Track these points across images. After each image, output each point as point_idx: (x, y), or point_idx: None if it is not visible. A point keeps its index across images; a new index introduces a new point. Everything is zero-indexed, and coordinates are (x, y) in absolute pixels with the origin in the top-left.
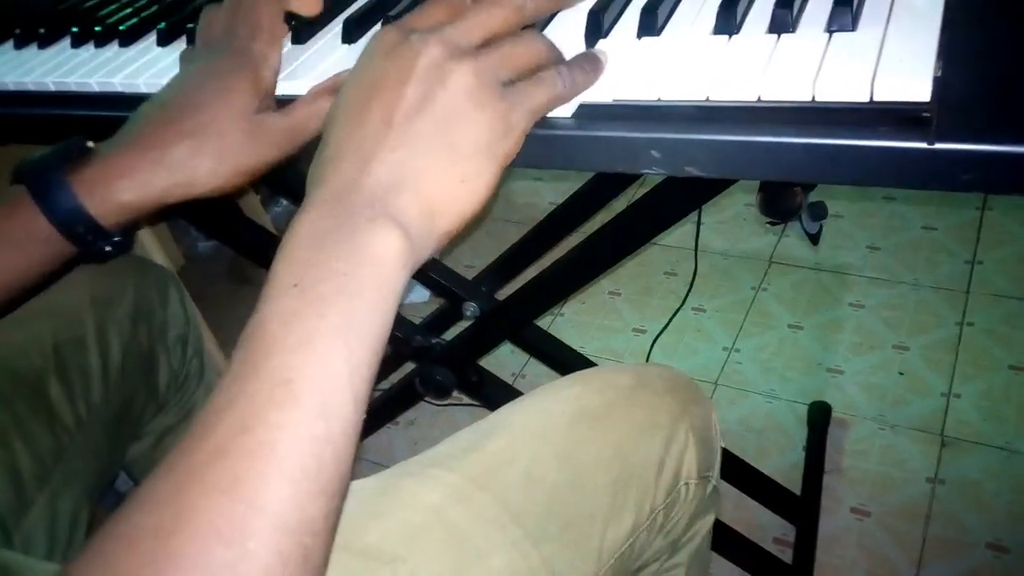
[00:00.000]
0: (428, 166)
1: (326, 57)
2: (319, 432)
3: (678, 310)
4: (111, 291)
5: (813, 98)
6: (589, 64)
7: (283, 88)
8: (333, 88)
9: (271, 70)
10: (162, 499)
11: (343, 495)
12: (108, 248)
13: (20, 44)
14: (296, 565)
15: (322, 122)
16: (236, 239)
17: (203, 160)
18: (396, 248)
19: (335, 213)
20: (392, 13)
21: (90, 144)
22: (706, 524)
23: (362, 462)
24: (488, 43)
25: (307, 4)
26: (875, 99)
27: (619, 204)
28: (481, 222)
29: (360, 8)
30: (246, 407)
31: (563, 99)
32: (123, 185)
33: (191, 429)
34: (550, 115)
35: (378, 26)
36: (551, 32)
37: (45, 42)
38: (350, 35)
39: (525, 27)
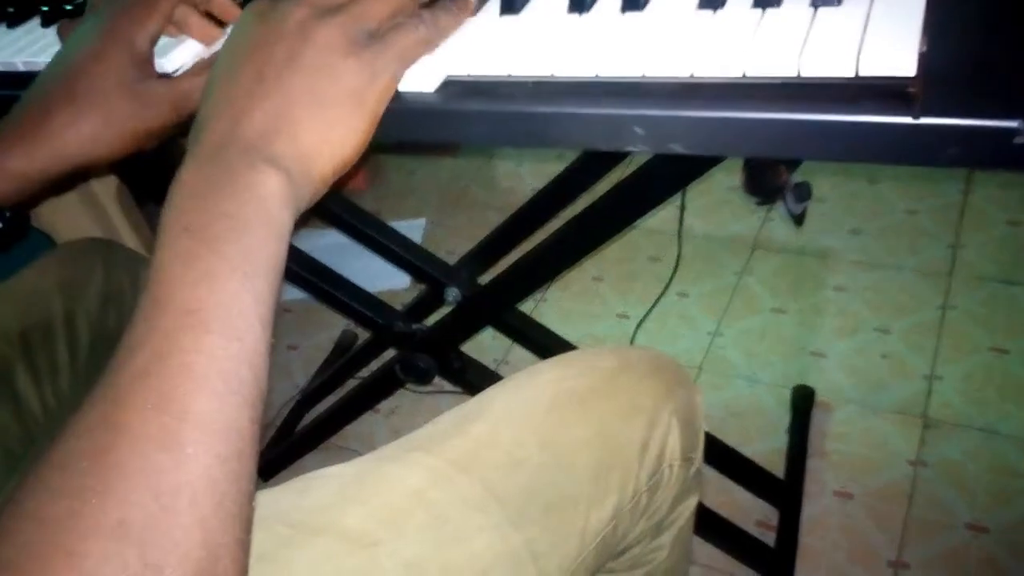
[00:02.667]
0: (299, 114)
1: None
2: (233, 351)
3: (662, 295)
4: (79, 275)
5: (798, 74)
6: (456, 6)
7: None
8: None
9: (147, 37)
10: (93, 424)
11: (263, 406)
12: (1, 226)
13: None
14: (233, 465)
15: None
16: None
17: (84, 127)
18: (277, 187)
19: (214, 163)
20: None
21: None
22: (689, 507)
23: (343, 450)
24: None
25: None
26: (860, 74)
27: (601, 188)
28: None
29: None
30: (159, 338)
31: (429, 41)
32: (6, 156)
33: (108, 366)
34: (532, 90)
35: None
36: (534, 7)
37: (15, 21)
38: None
39: None
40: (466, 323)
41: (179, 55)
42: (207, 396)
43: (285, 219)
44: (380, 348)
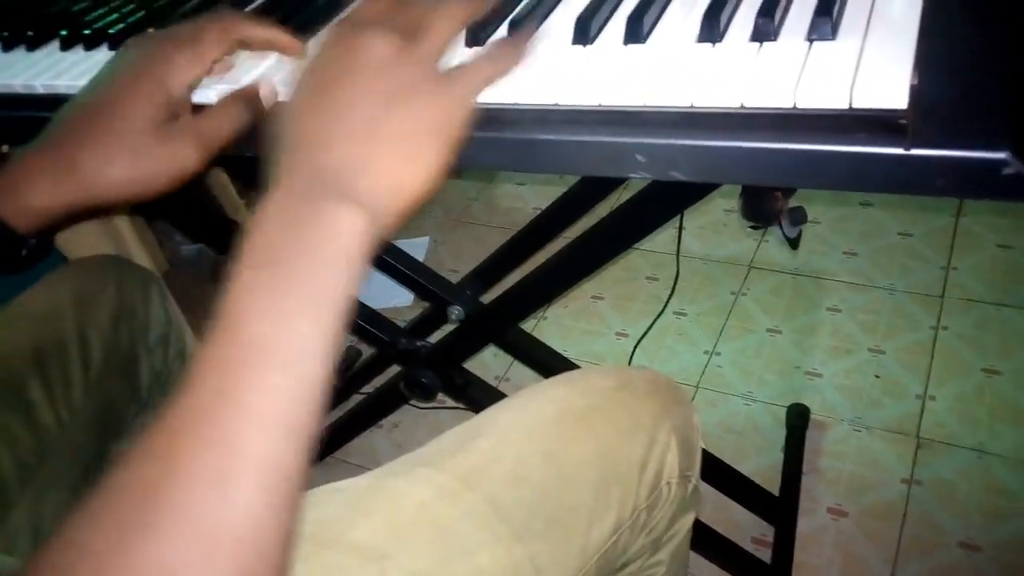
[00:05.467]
0: (381, 150)
1: (258, 65)
2: (295, 393)
3: (660, 314)
4: (92, 292)
5: (794, 105)
6: (516, 45)
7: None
8: (244, 96)
9: (180, 80)
10: (147, 456)
11: (312, 446)
12: (24, 254)
13: (8, 47)
14: (281, 511)
15: (236, 125)
16: (220, 242)
17: (112, 166)
18: (356, 226)
19: (298, 197)
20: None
21: (4, 148)
22: (686, 523)
23: (346, 465)
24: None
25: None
26: (854, 106)
27: (602, 209)
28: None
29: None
30: (223, 372)
31: (496, 78)
32: (34, 190)
33: (170, 398)
34: (537, 117)
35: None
36: (538, 39)
37: (34, 44)
38: None
39: None
40: (469, 341)
41: (203, 94)
42: (263, 437)
43: (361, 256)
44: (384, 364)
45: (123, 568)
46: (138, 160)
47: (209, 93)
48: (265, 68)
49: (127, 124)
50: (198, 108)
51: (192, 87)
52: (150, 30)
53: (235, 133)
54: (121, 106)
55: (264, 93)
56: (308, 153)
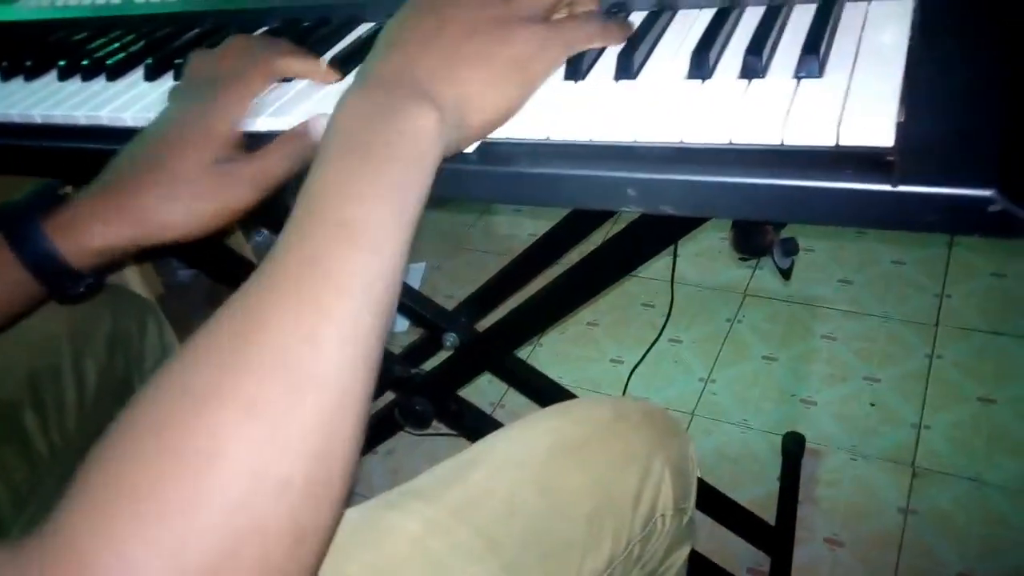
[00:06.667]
0: (465, 65)
1: (310, 96)
2: (375, 268)
3: (655, 341)
4: (88, 320)
5: (782, 142)
6: (620, 22)
7: (268, 125)
8: (301, 132)
9: (226, 123)
10: (241, 311)
11: (391, 320)
12: (81, 290)
13: (6, 76)
14: (359, 370)
15: (290, 164)
16: (216, 268)
17: (172, 207)
18: (431, 124)
19: (380, 93)
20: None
21: (66, 190)
22: (682, 555)
23: None
24: None
25: (307, 69)
26: (841, 143)
27: (598, 237)
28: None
29: (344, 50)
30: (311, 246)
31: (595, 39)
32: (95, 231)
33: (260, 265)
34: (529, 151)
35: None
36: None
37: (32, 74)
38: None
39: None
40: (464, 368)
41: (263, 122)
42: (347, 302)
43: (434, 156)
44: (379, 391)
45: (217, 406)
46: (194, 202)
47: (255, 122)
48: (316, 101)
49: (182, 169)
50: (253, 138)
51: (237, 123)
52: (190, 68)
53: (290, 171)
54: (176, 151)
55: (315, 131)
56: (398, 55)
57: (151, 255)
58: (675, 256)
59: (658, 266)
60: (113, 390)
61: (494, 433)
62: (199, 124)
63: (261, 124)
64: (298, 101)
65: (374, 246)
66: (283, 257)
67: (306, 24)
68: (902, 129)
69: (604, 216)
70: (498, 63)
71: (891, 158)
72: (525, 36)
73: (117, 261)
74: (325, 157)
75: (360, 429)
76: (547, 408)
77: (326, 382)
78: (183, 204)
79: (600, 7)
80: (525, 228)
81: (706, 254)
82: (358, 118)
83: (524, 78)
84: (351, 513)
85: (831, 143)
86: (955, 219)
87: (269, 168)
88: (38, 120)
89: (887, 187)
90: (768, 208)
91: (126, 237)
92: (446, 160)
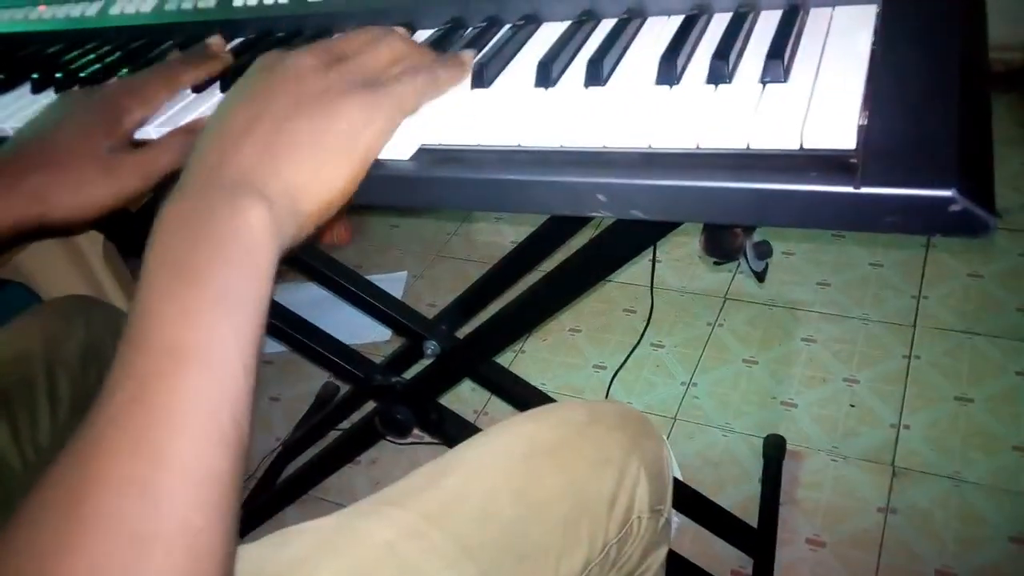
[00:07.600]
0: (289, 149)
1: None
2: (212, 394)
3: (636, 346)
4: (61, 331)
5: (748, 146)
6: (453, 62)
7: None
8: (186, 130)
9: (132, 123)
10: (67, 473)
11: (245, 452)
12: None
13: None
14: (211, 514)
15: (177, 157)
16: None
17: (57, 191)
18: (259, 218)
19: (198, 197)
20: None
21: None
22: (659, 557)
23: (323, 503)
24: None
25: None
26: (805, 147)
27: (577, 243)
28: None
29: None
30: (135, 380)
31: (426, 92)
32: None
33: (86, 415)
34: (500, 159)
35: None
36: (503, 81)
37: (5, 88)
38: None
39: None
40: (445, 376)
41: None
42: (185, 441)
43: (268, 253)
44: (360, 400)
45: (68, 570)
46: (81, 187)
47: (149, 130)
48: (208, 107)
49: (73, 153)
50: (139, 144)
51: (138, 125)
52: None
53: (177, 164)
54: (69, 138)
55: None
56: (214, 153)
57: (43, 236)
58: (654, 261)
59: (638, 271)
60: (86, 400)
61: (470, 439)
62: (97, 117)
63: (153, 132)
64: (189, 111)
65: (209, 368)
66: (107, 400)
67: (279, 35)
68: (865, 132)
69: (583, 222)
70: (326, 142)
71: (854, 160)
72: (349, 107)
73: (8, 241)
74: (143, 276)
75: (230, 560)
76: (522, 413)
77: (173, 539)
78: (70, 188)
79: (436, 53)
80: (506, 235)
81: (686, 259)
82: (176, 226)
83: (356, 150)
84: (323, 521)
85: (796, 146)
86: (917, 220)
87: (157, 159)
88: (9, 133)
89: (850, 189)
90: (736, 211)
91: (8, 217)
92: (416, 168)
